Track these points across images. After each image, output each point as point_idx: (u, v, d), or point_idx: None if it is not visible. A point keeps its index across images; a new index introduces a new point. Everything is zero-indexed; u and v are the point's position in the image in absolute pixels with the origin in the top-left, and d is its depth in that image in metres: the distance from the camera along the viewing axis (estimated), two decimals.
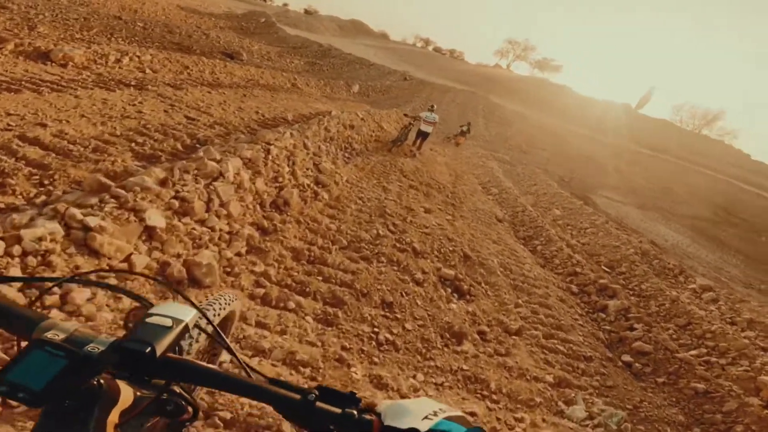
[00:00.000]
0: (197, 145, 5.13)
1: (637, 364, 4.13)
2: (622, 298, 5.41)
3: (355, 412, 0.53)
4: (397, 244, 4.70)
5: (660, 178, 23.75)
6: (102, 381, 0.50)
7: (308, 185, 4.93)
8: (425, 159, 11.09)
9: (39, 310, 1.64)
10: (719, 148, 52.12)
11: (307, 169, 5.40)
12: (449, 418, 0.51)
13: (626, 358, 4.21)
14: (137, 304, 0.67)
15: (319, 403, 0.53)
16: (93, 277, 1.74)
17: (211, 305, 1.12)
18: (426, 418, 0.50)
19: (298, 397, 0.54)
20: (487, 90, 35.56)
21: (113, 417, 0.52)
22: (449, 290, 4.23)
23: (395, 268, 4.14)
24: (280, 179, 4.53)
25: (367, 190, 6.55)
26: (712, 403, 3.61)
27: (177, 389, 0.63)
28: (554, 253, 7.10)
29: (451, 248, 5.31)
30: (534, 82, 56.83)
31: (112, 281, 2.16)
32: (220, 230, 3.17)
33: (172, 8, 23.59)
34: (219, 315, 1.11)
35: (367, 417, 0.53)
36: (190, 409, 0.63)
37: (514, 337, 3.77)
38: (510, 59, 71.42)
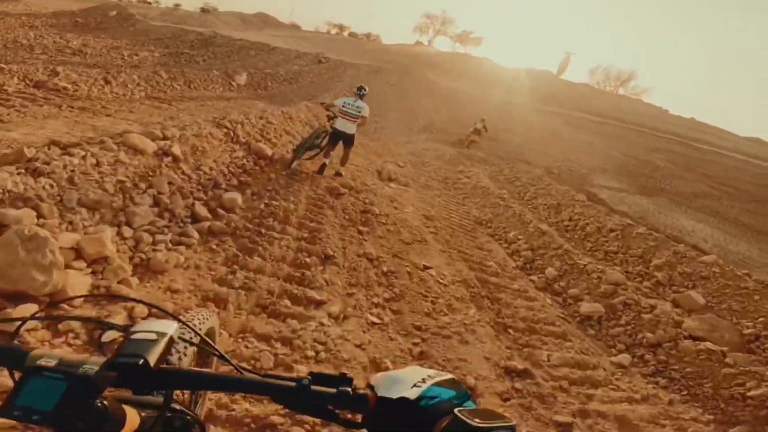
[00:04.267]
0: None
1: None
2: None
3: (350, 389, 0.53)
4: None
5: (627, 147, 22.81)
6: (106, 404, 0.50)
7: None
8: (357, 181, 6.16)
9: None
10: (640, 107, 53.61)
11: None
12: (439, 383, 0.53)
13: None
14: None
15: (313, 387, 0.54)
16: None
17: (190, 320, 1.12)
18: (415, 385, 0.52)
19: (293, 384, 0.54)
20: (417, 68, 31.36)
21: None
22: None
23: None
24: None
25: None
26: None
27: (179, 407, 0.63)
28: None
29: None
30: (460, 57, 54.38)
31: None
32: None
33: None
34: (200, 329, 1.10)
35: (362, 392, 0.54)
36: (196, 426, 0.63)
37: None
38: (430, 35, 68.05)
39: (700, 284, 5.30)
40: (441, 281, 3.81)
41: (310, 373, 0.56)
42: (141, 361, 0.51)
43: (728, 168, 23.82)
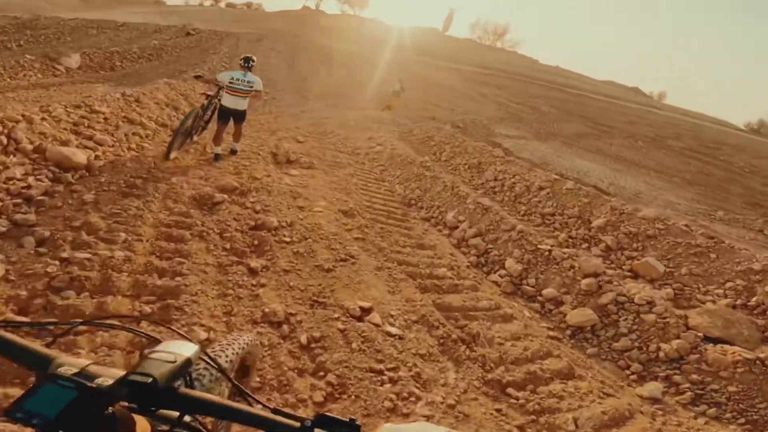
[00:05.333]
0: None
1: None
2: None
3: None
4: None
5: (515, 95, 23.49)
6: (116, 412, 0.51)
7: None
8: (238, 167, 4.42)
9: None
10: (516, 58, 56.88)
11: None
12: None
13: None
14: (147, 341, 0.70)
15: (317, 430, 0.52)
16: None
17: (228, 346, 1.12)
18: None
19: (297, 424, 0.53)
20: (306, 32, 28.55)
21: None
22: None
23: None
24: None
25: None
26: None
27: (196, 425, 0.64)
28: None
29: None
30: (349, 19, 51.79)
31: None
32: None
33: None
34: (236, 354, 1.11)
35: None
36: None
37: None
38: None
39: (650, 245, 4.83)
40: (391, 333, 2.41)
41: (319, 415, 0.53)
42: (150, 380, 0.52)
43: (599, 109, 26.39)
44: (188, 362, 0.57)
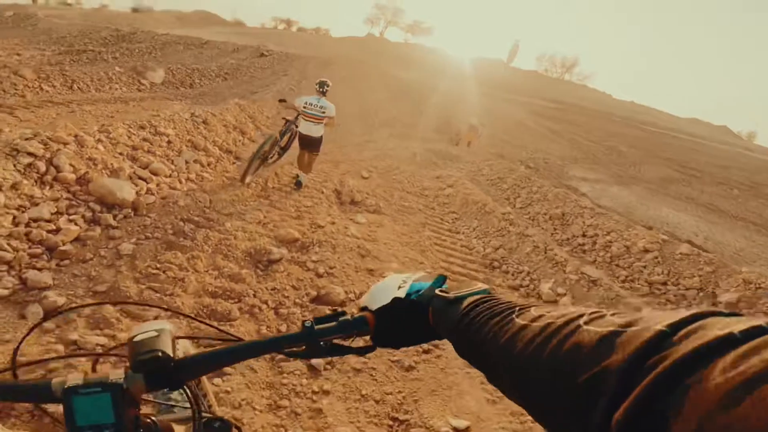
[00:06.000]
0: None
1: None
2: None
3: (349, 317, 0.55)
4: None
5: (588, 133, 22.15)
6: (155, 420, 0.53)
7: None
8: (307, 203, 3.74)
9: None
10: (586, 92, 54.36)
11: None
12: (417, 280, 0.57)
13: None
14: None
15: (318, 326, 0.54)
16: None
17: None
18: (399, 287, 0.56)
19: (299, 331, 0.54)
20: (370, 59, 28.88)
21: None
22: None
23: None
24: None
25: None
26: None
27: (210, 414, 0.65)
28: None
29: None
30: (412, 47, 52.56)
31: None
32: None
33: None
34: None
35: (359, 314, 0.56)
36: (234, 429, 0.64)
37: None
38: (382, 26, 64.89)
39: None
40: None
41: (314, 318, 0.55)
42: (160, 353, 0.51)
43: (685, 150, 24.13)
44: (171, 333, 0.56)
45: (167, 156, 4.12)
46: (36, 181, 2.49)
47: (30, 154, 2.58)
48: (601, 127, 25.55)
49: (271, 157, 5.00)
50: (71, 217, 2.42)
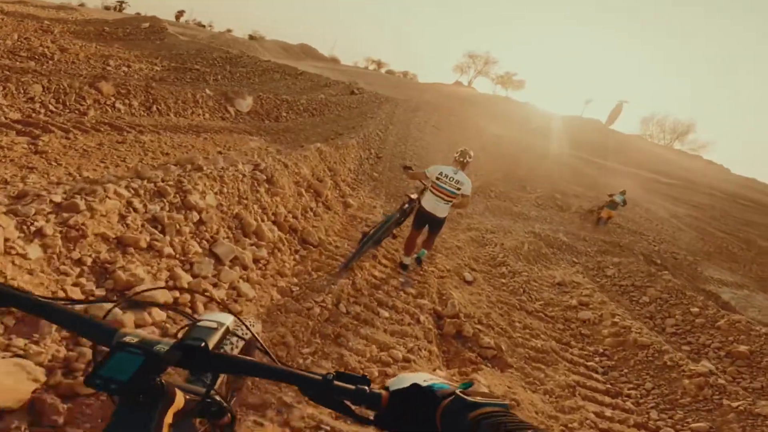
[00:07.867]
0: None
1: None
2: None
3: (366, 388, 0.58)
4: None
5: (716, 220, 18.95)
6: (164, 382, 0.58)
7: None
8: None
9: None
10: (703, 165, 48.04)
11: None
12: (443, 382, 0.58)
13: None
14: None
15: (336, 382, 0.58)
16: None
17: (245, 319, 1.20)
18: (425, 380, 0.58)
19: (319, 378, 0.59)
20: (461, 110, 27.67)
21: (168, 417, 0.59)
22: None
23: None
24: None
25: None
26: None
27: (217, 398, 0.74)
28: None
29: None
30: (502, 100, 51.11)
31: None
32: None
33: None
34: (252, 326, 1.20)
35: (377, 391, 0.58)
36: (229, 415, 0.74)
37: None
38: (471, 75, 64.18)
39: None
40: None
41: (336, 371, 0.60)
42: (203, 344, 0.60)
43: None
44: (228, 330, 0.67)
45: (185, 253, 2.70)
46: None
47: None
48: (730, 212, 21.66)
49: (381, 237, 4.22)
50: None
